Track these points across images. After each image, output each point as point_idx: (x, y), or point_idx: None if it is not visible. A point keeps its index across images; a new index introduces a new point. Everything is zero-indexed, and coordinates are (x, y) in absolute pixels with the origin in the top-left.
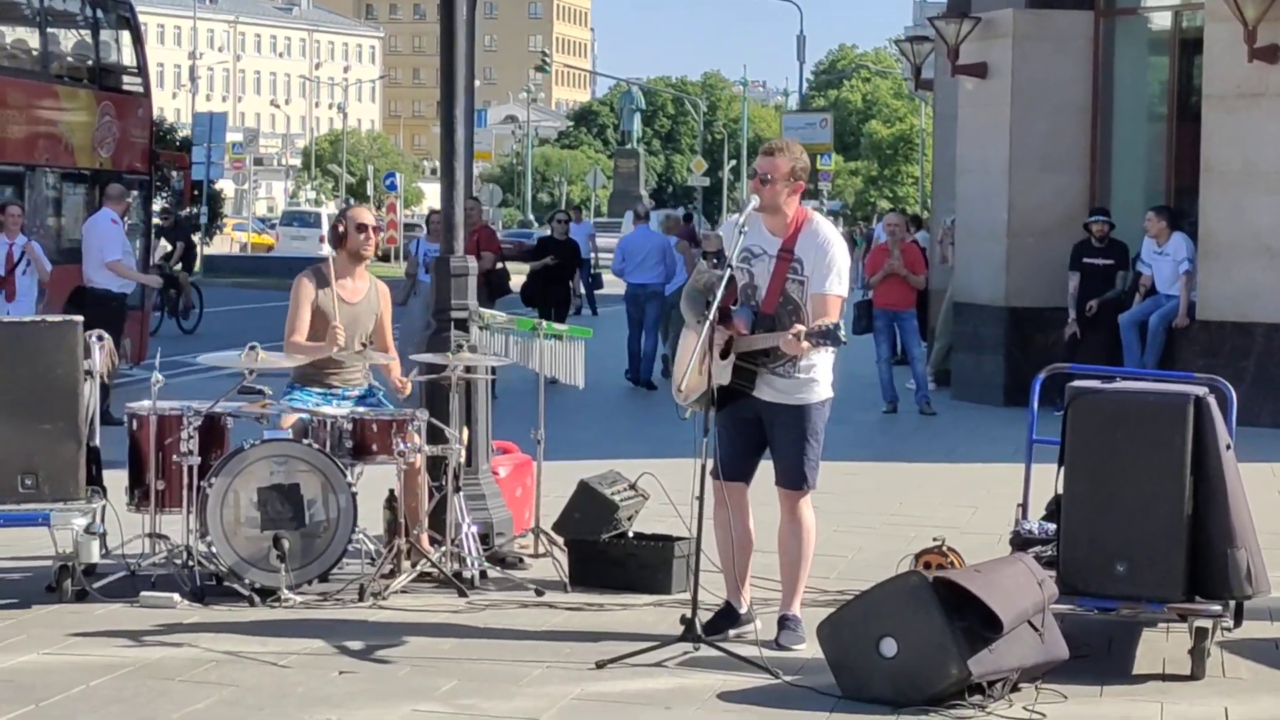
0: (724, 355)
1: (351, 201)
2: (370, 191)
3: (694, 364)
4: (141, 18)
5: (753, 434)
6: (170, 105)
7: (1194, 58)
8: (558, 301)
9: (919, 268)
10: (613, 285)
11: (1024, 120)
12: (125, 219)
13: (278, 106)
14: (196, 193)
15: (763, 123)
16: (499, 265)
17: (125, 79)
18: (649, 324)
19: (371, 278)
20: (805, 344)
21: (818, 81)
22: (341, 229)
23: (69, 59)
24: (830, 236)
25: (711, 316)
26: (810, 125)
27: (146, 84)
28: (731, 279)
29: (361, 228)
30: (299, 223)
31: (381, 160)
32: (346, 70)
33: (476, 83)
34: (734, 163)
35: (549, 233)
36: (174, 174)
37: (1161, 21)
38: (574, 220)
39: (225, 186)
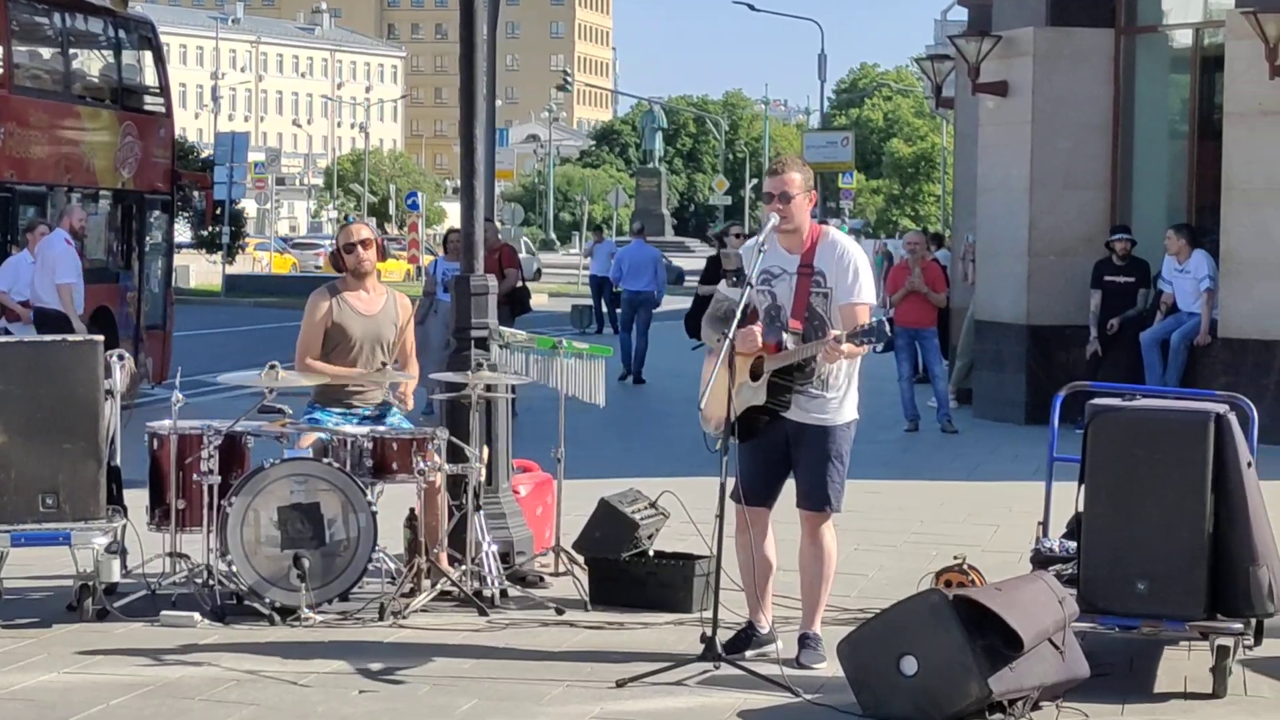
0: (754, 377)
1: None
2: (392, 210)
3: (713, 385)
4: (163, 38)
5: (778, 457)
6: (192, 125)
7: (1215, 75)
8: None
9: (940, 286)
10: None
11: (1045, 138)
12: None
13: (300, 126)
14: (219, 212)
15: (784, 141)
16: (521, 284)
17: (147, 99)
18: (640, 326)
19: (389, 289)
20: (846, 347)
21: (839, 100)
22: (335, 251)
23: (91, 79)
24: (849, 247)
25: (731, 336)
26: (832, 144)
27: (168, 104)
28: (750, 301)
29: (350, 247)
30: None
31: (404, 179)
32: (368, 90)
33: (498, 102)
34: (755, 181)
35: (715, 250)
36: (196, 194)
37: (1183, 39)
38: (598, 240)
39: (247, 206)
